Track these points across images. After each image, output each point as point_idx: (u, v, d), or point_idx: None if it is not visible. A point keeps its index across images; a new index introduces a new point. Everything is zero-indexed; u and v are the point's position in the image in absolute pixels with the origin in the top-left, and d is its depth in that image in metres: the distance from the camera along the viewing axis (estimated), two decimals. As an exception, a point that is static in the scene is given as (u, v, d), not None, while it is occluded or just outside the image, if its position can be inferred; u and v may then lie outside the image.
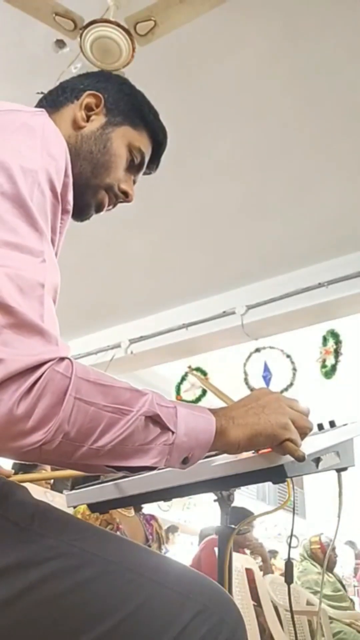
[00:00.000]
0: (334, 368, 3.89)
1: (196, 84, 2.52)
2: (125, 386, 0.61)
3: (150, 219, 3.41)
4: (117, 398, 0.58)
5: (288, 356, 4.07)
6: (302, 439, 0.67)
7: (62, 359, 0.57)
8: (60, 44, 2.35)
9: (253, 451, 0.73)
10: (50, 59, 2.38)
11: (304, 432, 0.67)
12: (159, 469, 0.84)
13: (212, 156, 2.91)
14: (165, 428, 0.61)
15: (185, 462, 0.63)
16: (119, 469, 0.61)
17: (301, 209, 3.25)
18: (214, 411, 0.66)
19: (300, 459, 0.64)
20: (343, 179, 3.02)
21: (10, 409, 0.53)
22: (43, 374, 0.54)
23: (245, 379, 4.12)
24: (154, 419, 0.60)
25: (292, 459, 0.66)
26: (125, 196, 0.88)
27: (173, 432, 0.61)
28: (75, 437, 0.56)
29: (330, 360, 3.93)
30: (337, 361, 3.88)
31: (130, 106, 0.88)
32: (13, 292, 0.56)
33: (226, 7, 2.03)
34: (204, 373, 4.61)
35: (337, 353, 3.90)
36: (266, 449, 0.70)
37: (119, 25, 2.02)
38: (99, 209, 0.88)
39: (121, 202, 0.89)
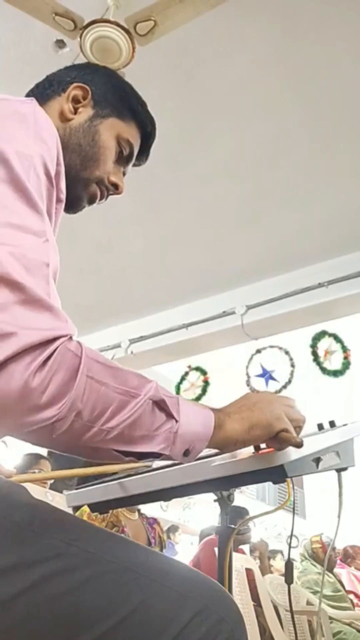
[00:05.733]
0: (324, 368, 3.90)
1: (196, 84, 2.52)
2: (132, 371, 0.62)
3: (150, 219, 3.41)
4: (125, 381, 0.60)
5: (287, 353, 4.07)
6: (297, 433, 0.69)
7: (71, 338, 0.58)
8: (60, 44, 2.35)
9: (253, 451, 0.73)
10: (50, 59, 2.38)
11: (297, 425, 0.69)
12: (158, 469, 0.84)
13: (212, 156, 2.91)
14: (169, 415, 0.62)
15: (186, 454, 0.64)
16: (126, 454, 0.62)
17: (301, 209, 3.25)
18: (210, 408, 0.67)
19: (299, 445, 0.66)
20: (343, 179, 3.02)
21: (25, 380, 0.53)
22: (57, 348, 0.55)
23: (247, 381, 4.12)
24: (160, 405, 0.61)
25: (290, 459, 0.67)
26: (115, 188, 0.88)
27: (177, 421, 0.62)
28: (88, 416, 0.57)
29: (329, 360, 3.93)
30: (319, 363, 3.89)
31: (118, 97, 0.87)
32: (20, 270, 0.57)
33: (226, 7, 2.03)
34: (204, 373, 4.61)
35: (315, 355, 3.91)
36: (264, 446, 0.71)
37: (119, 25, 2.02)
38: (91, 201, 0.87)
39: (111, 194, 0.89)
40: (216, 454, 0.76)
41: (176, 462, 0.67)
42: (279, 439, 0.66)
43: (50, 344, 0.55)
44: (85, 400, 0.56)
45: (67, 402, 0.55)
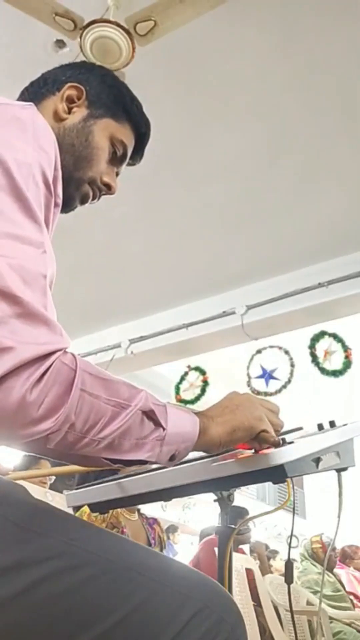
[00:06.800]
0: (323, 369, 3.91)
1: (196, 84, 2.52)
2: (122, 382, 0.63)
3: (150, 219, 3.41)
4: (117, 392, 0.61)
5: (287, 352, 4.07)
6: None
7: (66, 351, 0.59)
8: (60, 44, 2.35)
9: (253, 451, 0.73)
10: (50, 59, 2.38)
11: (275, 429, 0.72)
12: (158, 469, 0.84)
13: (212, 156, 2.91)
14: (158, 424, 0.63)
15: (172, 459, 0.66)
16: (115, 461, 0.63)
17: (301, 209, 3.25)
18: (195, 412, 0.69)
19: (277, 444, 0.68)
20: (343, 179, 3.02)
21: (23, 395, 0.54)
22: (52, 363, 0.56)
23: (248, 382, 4.12)
24: (149, 415, 0.63)
25: (290, 459, 0.67)
26: (108, 189, 0.88)
27: (164, 429, 0.63)
28: (80, 428, 0.58)
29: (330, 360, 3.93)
30: (317, 363, 3.89)
31: (113, 98, 0.87)
32: (18, 283, 0.57)
33: (226, 7, 2.03)
34: (203, 373, 4.61)
35: (314, 357, 3.91)
36: (244, 445, 0.73)
37: (119, 25, 2.02)
38: (83, 201, 0.87)
39: (104, 194, 0.89)
40: (216, 454, 0.76)
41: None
42: (259, 439, 0.69)
43: (46, 358, 0.56)
44: (78, 412, 0.57)
45: (62, 415, 0.56)
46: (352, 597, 3.82)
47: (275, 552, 5.52)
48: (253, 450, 0.73)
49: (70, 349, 0.60)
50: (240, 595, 2.52)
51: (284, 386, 3.99)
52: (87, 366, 0.60)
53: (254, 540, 4.48)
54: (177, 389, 4.68)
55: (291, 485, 0.74)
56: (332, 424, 0.92)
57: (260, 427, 0.69)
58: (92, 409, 0.58)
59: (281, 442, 0.69)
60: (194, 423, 0.66)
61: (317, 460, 0.77)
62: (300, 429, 0.95)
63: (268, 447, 0.71)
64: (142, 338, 4.38)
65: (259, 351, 4.18)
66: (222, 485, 0.85)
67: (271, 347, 4.15)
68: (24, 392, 0.54)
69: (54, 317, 0.60)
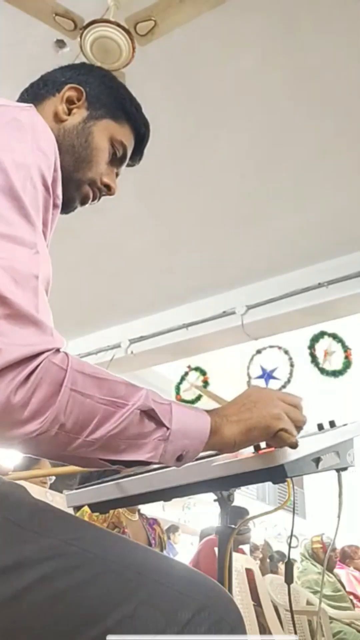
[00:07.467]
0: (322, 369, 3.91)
1: (196, 83, 2.52)
2: (121, 381, 0.62)
3: (151, 219, 3.41)
4: (112, 391, 0.60)
5: (286, 352, 4.08)
6: (297, 432, 0.69)
7: (57, 350, 0.58)
8: (60, 44, 2.35)
9: (253, 451, 0.73)
10: (50, 59, 2.38)
11: (297, 425, 0.69)
12: (158, 469, 0.84)
13: (212, 156, 2.91)
14: (160, 423, 0.62)
15: (179, 459, 0.64)
16: (113, 462, 0.62)
17: (301, 209, 3.25)
18: (208, 411, 0.67)
19: (294, 446, 0.66)
20: (343, 179, 3.02)
21: (7, 397, 0.54)
22: (39, 364, 0.56)
23: (248, 382, 4.13)
24: (149, 414, 0.61)
25: (290, 459, 0.67)
26: (108, 190, 0.88)
27: (167, 428, 0.62)
28: (71, 429, 0.57)
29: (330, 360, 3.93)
30: (317, 364, 3.89)
31: (112, 99, 0.87)
32: (8, 283, 0.57)
33: (226, 7, 2.03)
34: (204, 373, 4.61)
35: (313, 357, 3.91)
36: (264, 445, 0.71)
37: (119, 25, 2.02)
38: (83, 202, 0.88)
39: (104, 195, 0.89)
40: (216, 454, 0.76)
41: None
42: (277, 438, 0.67)
43: (33, 359, 0.55)
44: (69, 413, 0.56)
45: (50, 416, 0.55)
46: (352, 597, 3.82)
47: (283, 556, 5.49)
48: (253, 450, 0.73)
49: (69, 349, 0.60)
50: (240, 595, 2.52)
51: (284, 386, 3.99)
52: (81, 365, 0.59)
53: (262, 541, 4.47)
54: (178, 389, 4.68)
55: (291, 485, 0.74)
56: (332, 424, 0.92)
57: (278, 426, 0.66)
58: (82, 409, 0.57)
59: (297, 443, 0.66)
60: (204, 422, 0.64)
61: (317, 460, 0.77)
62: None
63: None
64: (142, 338, 4.38)
65: (259, 351, 4.19)
66: (222, 485, 0.85)
67: (271, 347, 4.15)
68: (8, 394, 0.54)
69: (46, 318, 0.59)
